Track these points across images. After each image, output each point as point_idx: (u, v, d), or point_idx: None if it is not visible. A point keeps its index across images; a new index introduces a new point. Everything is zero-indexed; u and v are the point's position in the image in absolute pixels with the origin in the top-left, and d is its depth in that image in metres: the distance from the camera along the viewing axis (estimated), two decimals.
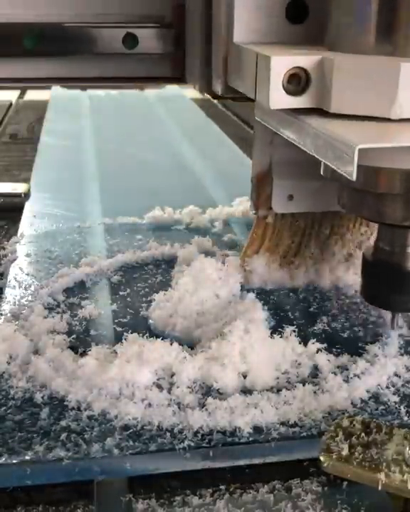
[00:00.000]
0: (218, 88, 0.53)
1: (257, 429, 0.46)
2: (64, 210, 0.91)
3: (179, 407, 0.47)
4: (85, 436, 0.45)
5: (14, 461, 0.43)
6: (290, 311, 0.63)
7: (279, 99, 0.43)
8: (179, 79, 0.55)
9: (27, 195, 0.97)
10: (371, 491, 0.42)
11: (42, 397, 0.49)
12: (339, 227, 0.66)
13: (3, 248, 0.76)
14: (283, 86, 0.42)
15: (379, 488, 0.40)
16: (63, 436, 0.45)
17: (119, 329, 0.58)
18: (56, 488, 0.44)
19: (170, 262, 0.72)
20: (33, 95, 1.83)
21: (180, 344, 0.54)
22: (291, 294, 0.66)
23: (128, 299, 0.65)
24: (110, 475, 0.44)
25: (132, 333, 0.55)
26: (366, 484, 0.40)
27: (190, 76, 0.56)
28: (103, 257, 0.73)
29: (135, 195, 0.98)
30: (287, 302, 0.64)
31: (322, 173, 0.50)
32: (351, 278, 0.66)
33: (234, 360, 0.51)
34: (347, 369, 0.52)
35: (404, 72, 0.39)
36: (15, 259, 0.73)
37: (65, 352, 0.53)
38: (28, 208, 0.92)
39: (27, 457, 0.43)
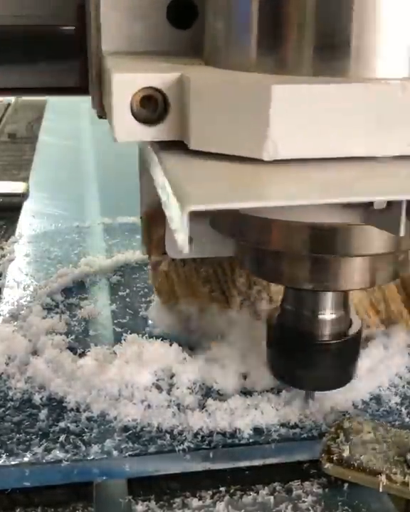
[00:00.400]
0: (96, 108, 0.42)
1: (257, 431, 0.46)
2: (63, 210, 0.90)
3: (178, 409, 0.47)
4: (84, 437, 0.45)
5: (13, 463, 0.43)
6: None
7: (127, 128, 0.32)
8: (84, 90, 0.45)
9: (26, 194, 0.96)
10: (372, 492, 0.42)
11: (41, 398, 0.48)
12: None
13: (2, 248, 0.76)
14: (132, 112, 0.32)
15: (380, 489, 0.40)
16: (62, 437, 0.45)
17: (118, 330, 0.58)
18: (55, 490, 0.43)
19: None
20: None
21: (180, 345, 0.53)
22: None
23: (127, 299, 0.65)
24: (109, 476, 0.44)
25: (131, 333, 0.55)
26: (367, 486, 0.40)
27: (90, 89, 0.43)
28: (102, 257, 0.73)
29: (134, 195, 0.97)
30: None
31: (210, 224, 0.42)
32: None
33: (234, 361, 0.50)
34: None
35: (277, 97, 0.29)
36: (13, 259, 0.73)
37: (63, 353, 0.53)
38: (27, 208, 0.91)
39: (26, 459, 0.43)
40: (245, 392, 0.49)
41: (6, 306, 0.62)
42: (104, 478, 0.43)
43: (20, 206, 0.92)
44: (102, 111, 0.39)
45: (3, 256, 0.74)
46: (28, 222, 0.86)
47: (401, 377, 0.52)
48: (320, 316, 0.43)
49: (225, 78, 0.32)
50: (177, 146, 0.33)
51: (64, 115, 1.57)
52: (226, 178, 0.30)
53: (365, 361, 0.52)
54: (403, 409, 0.48)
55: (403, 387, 0.51)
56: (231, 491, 0.43)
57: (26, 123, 1.49)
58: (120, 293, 0.66)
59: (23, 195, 0.96)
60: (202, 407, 0.47)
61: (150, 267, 0.56)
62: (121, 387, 0.48)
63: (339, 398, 0.48)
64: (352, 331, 0.45)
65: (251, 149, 0.30)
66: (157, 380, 0.50)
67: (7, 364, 0.52)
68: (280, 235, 0.38)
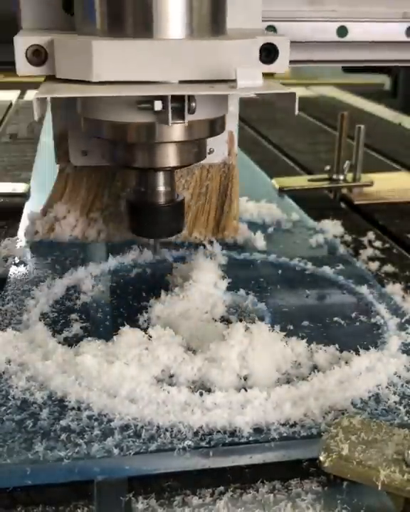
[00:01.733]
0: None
1: (257, 429, 0.46)
2: None
3: (178, 407, 0.47)
4: (85, 436, 0.45)
5: (14, 461, 0.43)
6: None
7: (24, 67, 0.56)
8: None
9: (27, 195, 0.97)
10: (371, 491, 0.42)
11: (42, 397, 0.49)
12: (130, 181, 0.76)
13: (3, 248, 0.76)
14: (27, 58, 0.56)
15: (379, 488, 0.40)
16: (63, 436, 0.45)
17: (119, 329, 0.58)
18: (56, 488, 0.44)
19: (170, 262, 0.72)
20: (32, 95, 1.83)
21: (180, 345, 0.54)
22: None
23: (128, 299, 0.65)
24: (110, 475, 0.44)
25: (132, 333, 0.55)
26: (366, 484, 0.40)
27: None
28: (103, 257, 0.73)
29: None
30: None
31: (82, 130, 0.64)
32: None
33: (233, 361, 0.51)
34: (347, 369, 0.52)
35: (95, 47, 0.53)
36: (14, 260, 0.73)
37: (64, 352, 0.53)
38: (28, 208, 0.92)
39: (27, 457, 0.43)
40: (245, 391, 0.49)
41: (8, 306, 0.62)
42: (104, 476, 0.44)
43: (21, 207, 0.92)
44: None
45: (5, 256, 0.74)
46: None
47: (400, 376, 0.52)
48: (157, 189, 0.65)
49: (71, 39, 0.56)
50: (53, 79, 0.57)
51: None
52: (64, 87, 0.54)
53: (364, 360, 0.52)
54: (401, 408, 0.48)
55: (402, 386, 0.51)
56: (231, 489, 0.43)
57: (27, 124, 1.49)
58: (121, 293, 0.66)
59: (25, 196, 0.96)
60: (202, 406, 0.47)
61: (57, 172, 0.77)
62: (121, 386, 0.48)
63: (338, 397, 0.49)
64: (178, 199, 0.67)
65: (85, 75, 0.54)
66: (157, 380, 0.50)
67: (8, 363, 0.52)
68: (118, 131, 0.60)
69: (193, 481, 0.44)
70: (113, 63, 0.53)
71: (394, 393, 0.50)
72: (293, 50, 0.61)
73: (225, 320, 0.61)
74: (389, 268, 0.75)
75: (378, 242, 0.83)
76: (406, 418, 0.48)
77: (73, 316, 0.61)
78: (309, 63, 0.80)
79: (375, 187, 1.02)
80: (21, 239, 0.79)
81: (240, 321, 0.57)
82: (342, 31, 0.76)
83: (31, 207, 0.92)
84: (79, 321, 0.60)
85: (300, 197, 0.97)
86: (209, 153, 0.72)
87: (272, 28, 0.75)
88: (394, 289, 0.68)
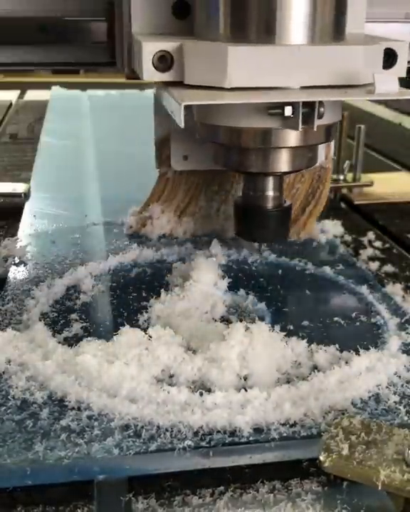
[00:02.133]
0: (126, 71, 0.65)
1: (257, 429, 0.46)
2: (64, 210, 0.91)
3: (178, 407, 0.47)
4: (85, 436, 0.45)
5: (14, 461, 0.43)
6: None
7: (150, 73, 0.56)
8: (112, 64, 0.70)
9: (27, 195, 0.97)
10: (371, 491, 0.42)
11: (42, 397, 0.49)
12: (225, 184, 0.79)
13: (3, 248, 0.76)
14: (153, 64, 0.55)
15: (379, 488, 0.40)
16: (63, 436, 0.45)
17: (119, 329, 0.58)
18: (56, 488, 0.44)
19: (170, 262, 0.72)
20: (32, 95, 1.83)
21: (180, 345, 0.54)
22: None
23: (128, 299, 0.65)
24: (110, 475, 0.44)
25: (132, 333, 0.55)
26: (366, 484, 0.40)
27: (118, 62, 0.69)
28: (103, 257, 0.73)
29: (135, 195, 0.98)
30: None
31: (197, 135, 0.63)
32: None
33: (233, 361, 0.51)
34: (347, 369, 0.52)
35: (231, 53, 0.52)
36: (14, 260, 0.73)
37: (64, 352, 0.53)
38: (28, 208, 0.92)
39: (27, 457, 0.43)
40: (245, 391, 0.49)
41: (8, 306, 0.62)
42: (105, 476, 0.44)
43: (21, 207, 0.92)
44: (131, 73, 0.64)
45: (5, 256, 0.74)
46: (30, 223, 0.86)
47: (400, 376, 0.52)
48: (266, 193, 0.65)
49: (203, 44, 0.55)
50: (177, 84, 0.56)
51: (65, 116, 1.57)
52: (201, 94, 0.53)
53: (364, 360, 0.52)
54: (401, 407, 0.48)
55: (402, 386, 0.51)
56: (231, 489, 0.43)
57: (27, 124, 1.50)
58: (121, 293, 0.66)
59: (25, 196, 0.96)
60: (202, 405, 0.47)
61: (158, 176, 0.79)
62: (121, 386, 0.48)
63: (338, 397, 0.49)
64: (286, 204, 0.67)
65: (218, 81, 0.53)
66: (157, 379, 0.50)
67: (8, 363, 0.52)
68: (236, 135, 0.60)
69: (193, 481, 0.44)
70: (246, 69, 0.53)
71: (394, 393, 0.50)
72: None
73: (225, 320, 0.61)
74: (389, 268, 0.75)
75: (378, 242, 0.83)
76: (406, 418, 0.48)
77: (73, 316, 0.61)
78: None
79: (375, 187, 1.02)
80: (21, 239, 0.79)
81: (240, 321, 0.57)
82: None
83: (31, 207, 0.92)
84: (79, 321, 0.60)
85: None
86: None
87: None
88: (394, 289, 0.68)
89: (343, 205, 1.00)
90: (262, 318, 0.61)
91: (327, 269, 0.71)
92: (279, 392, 0.49)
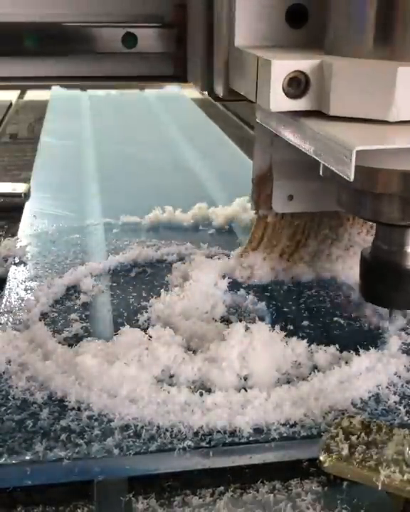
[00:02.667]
0: (220, 91, 0.55)
1: (257, 429, 0.46)
2: (64, 210, 0.91)
3: (178, 408, 0.47)
4: (85, 436, 0.45)
5: (14, 461, 0.43)
6: (290, 306, 0.63)
7: (279, 102, 0.43)
8: (180, 78, 0.57)
9: (27, 195, 0.97)
10: (371, 491, 0.42)
11: (42, 397, 0.49)
12: (337, 227, 0.67)
13: (3, 248, 0.76)
14: (283, 89, 0.43)
15: (379, 488, 0.40)
16: (63, 436, 0.45)
17: (119, 329, 0.58)
18: (56, 488, 0.44)
19: (170, 262, 0.72)
20: (32, 95, 1.83)
21: (180, 345, 0.54)
22: (291, 288, 0.67)
23: (128, 299, 0.65)
24: (110, 475, 0.44)
25: (132, 333, 0.55)
26: (366, 484, 0.40)
27: (191, 76, 0.57)
28: (103, 257, 0.73)
29: (135, 195, 0.98)
30: (288, 298, 0.65)
31: (321, 173, 0.50)
32: (347, 274, 0.68)
33: (233, 361, 0.51)
34: (347, 369, 0.52)
35: (401, 76, 0.40)
36: (15, 260, 0.73)
37: (64, 352, 0.53)
38: (28, 208, 0.92)
39: (27, 457, 0.43)
40: (245, 391, 0.49)
41: (8, 306, 0.62)
42: (105, 476, 0.44)
43: (21, 206, 0.92)
44: (229, 93, 0.53)
45: (5, 256, 0.74)
46: (30, 223, 0.86)
47: (400, 376, 0.52)
48: (407, 249, 0.53)
49: (357, 63, 0.43)
50: (310, 114, 0.44)
51: (65, 116, 1.57)
52: (365, 131, 0.41)
53: (364, 360, 0.52)
54: (401, 408, 0.48)
55: (402, 386, 0.51)
56: (231, 489, 0.43)
57: (28, 124, 1.50)
58: (121, 293, 0.66)
59: (25, 196, 0.96)
60: (202, 406, 0.47)
61: (254, 221, 0.67)
62: (121, 386, 0.48)
63: (338, 397, 0.49)
64: None
65: (380, 113, 0.41)
66: (157, 379, 0.50)
67: (8, 363, 0.52)
68: (381, 180, 0.46)
69: (193, 481, 0.44)
70: None
71: (394, 393, 0.50)
72: None
73: (226, 320, 0.61)
74: None
75: None
76: (406, 418, 0.47)
77: (73, 316, 0.61)
78: None
79: None
80: (21, 239, 0.79)
81: (240, 321, 0.57)
82: None
83: (31, 207, 0.92)
84: (79, 321, 0.60)
85: None
86: None
87: None
88: None
89: None
90: (262, 319, 0.61)
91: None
92: (279, 392, 0.49)
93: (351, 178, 0.37)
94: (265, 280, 0.68)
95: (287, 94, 0.43)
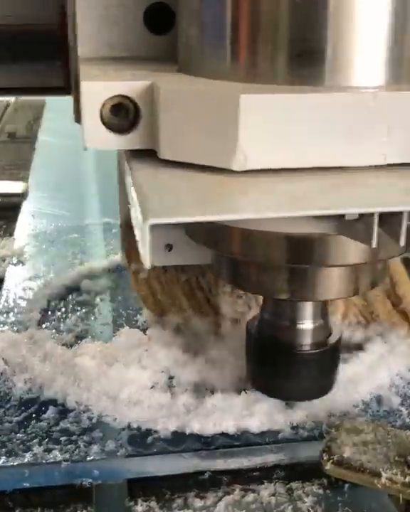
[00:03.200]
0: (74, 114, 0.44)
1: (258, 432, 0.46)
2: (62, 210, 0.90)
3: (178, 409, 0.47)
4: (84, 438, 0.45)
5: (13, 463, 0.42)
6: None
7: (97, 136, 0.32)
8: (63, 89, 0.46)
9: (25, 194, 0.96)
10: (373, 492, 0.41)
11: (41, 399, 0.48)
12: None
13: (1, 248, 0.76)
14: (102, 119, 0.32)
15: (381, 490, 0.39)
16: (62, 438, 0.45)
17: (118, 330, 0.58)
18: (55, 491, 0.43)
19: None
20: None
21: (180, 346, 0.53)
22: None
23: (128, 299, 0.65)
24: (110, 477, 0.44)
25: (131, 334, 0.55)
26: (367, 486, 0.40)
27: (73, 89, 0.44)
28: (103, 257, 0.73)
29: None
30: None
31: (193, 239, 0.41)
32: None
33: (234, 362, 0.50)
34: (349, 370, 0.52)
35: (246, 107, 0.28)
36: (12, 259, 0.73)
37: (63, 353, 0.52)
38: (26, 207, 0.91)
39: (26, 459, 0.43)
40: (246, 393, 0.49)
41: (6, 306, 0.62)
42: (104, 478, 0.43)
43: (19, 206, 0.91)
44: (78, 116, 0.37)
45: (2, 255, 0.74)
46: (27, 222, 0.86)
47: (401, 378, 0.52)
48: (299, 326, 0.43)
49: (195, 87, 0.31)
50: (150, 154, 0.32)
51: (63, 115, 1.56)
52: (194, 189, 0.29)
53: (366, 361, 0.52)
54: (403, 409, 0.48)
55: (404, 387, 0.51)
56: (232, 491, 0.43)
57: (26, 122, 1.49)
58: (120, 293, 0.66)
59: (23, 195, 0.96)
60: (202, 408, 0.47)
61: (132, 275, 0.56)
62: (121, 389, 0.48)
63: (340, 398, 0.48)
64: (332, 339, 0.45)
65: (220, 159, 0.30)
66: (157, 382, 0.50)
67: (8, 364, 0.52)
68: (255, 246, 0.37)
69: (193, 484, 0.44)
70: (273, 136, 0.30)
71: (396, 395, 0.50)
72: None
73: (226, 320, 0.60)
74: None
75: None
76: (407, 420, 0.47)
77: (73, 316, 0.61)
78: None
79: None
80: (19, 238, 0.78)
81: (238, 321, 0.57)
82: None
83: (29, 206, 0.92)
84: (79, 321, 0.60)
85: None
86: None
87: None
88: None
89: None
90: None
91: None
92: None
93: (147, 264, 0.26)
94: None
95: (109, 127, 0.32)
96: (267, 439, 0.45)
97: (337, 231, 0.33)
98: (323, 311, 0.44)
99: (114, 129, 0.32)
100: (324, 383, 0.45)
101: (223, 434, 0.45)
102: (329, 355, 0.44)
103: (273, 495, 0.43)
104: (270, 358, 0.44)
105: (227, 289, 0.54)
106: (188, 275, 0.54)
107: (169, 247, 0.47)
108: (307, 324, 0.43)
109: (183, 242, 0.46)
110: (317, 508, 0.42)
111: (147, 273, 0.54)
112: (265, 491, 0.43)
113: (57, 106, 1.65)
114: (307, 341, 0.43)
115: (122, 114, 0.32)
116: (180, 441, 0.45)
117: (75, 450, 0.44)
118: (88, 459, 0.43)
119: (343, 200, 0.29)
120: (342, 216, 0.32)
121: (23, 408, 0.48)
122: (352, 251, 0.36)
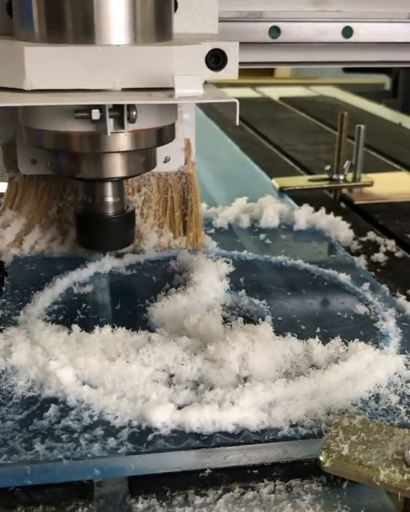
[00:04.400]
0: None
1: (257, 429, 0.46)
2: None
3: (179, 407, 0.47)
4: (85, 435, 0.45)
5: (14, 461, 0.43)
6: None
7: None
8: None
9: None
10: (371, 490, 0.42)
11: (42, 397, 0.49)
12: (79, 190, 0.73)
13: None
14: None
15: (379, 488, 0.40)
16: (64, 436, 0.45)
17: (119, 329, 0.58)
18: (56, 488, 0.44)
19: (170, 262, 0.72)
20: None
21: (180, 345, 0.54)
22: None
23: (129, 299, 0.65)
24: (110, 475, 0.44)
25: (132, 333, 0.55)
26: (366, 484, 0.40)
27: None
28: (104, 257, 0.73)
29: None
30: None
31: (24, 140, 0.62)
32: None
33: (233, 361, 0.51)
34: (347, 368, 0.52)
35: (28, 54, 0.52)
36: (14, 258, 0.73)
37: (65, 351, 0.53)
38: None
39: (27, 457, 0.43)
40: (245, 391, 0.49)
41: (8, 305, 0.62)
42: (105, 476, 0.44)
43: None
44: None
45: (4, 255, 0.74)
46: None
47: (400, 376, 0.52)
48: (105, 201, 0.65)
49: (5, 44, 0.54)
50: None
51: None
52: (4, 96, 0.52)
53: (364, 360, 0.52)
54: (401, 407, 0.49)
55: (402, 386, 0.51)
56: (232, 488, 0.43)
57: None
58: (122, 293, 0.66)
59: None
60: (202, 405, 0.47)
61: (7, 181, 0.74)
62: (122, 386, 0.48)
63: (339, 397, 0.49)
64: (128, 210, 0.67)
65: (18, 83, 0.53)
66: (158, 379, 0.50)
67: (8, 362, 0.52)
68: (60, 140, 0.58)
69: (193, 481, 0.44)
70: (48, 70, 0.52)
71: (394, 393, 0.50)
72: (296, 51, 0.59)
73: (226, 320, 0.60)
74: (389, 268, 0.75)
75: (378, 242, 0.83)
76: (406, 418, 0.48)
77: (74, 315, 0.61)
78: (313, 65, 0.80)
79: (375, 187, 1.02)
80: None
81: (242, 321, 0.57)
82: (347, 32, 0.76)
83: None
84: (79, 320, 0.60)
85: (300, 197, 0.97)
86: (165, 162, 0.72)
87: (276, 29, 0.73)
88: (394, 288, 0.68)
89: (343, 205, 1.00)
90: (262, 318, 0.61)
91: (327, 269, 0.71)
92: (279, 392, 0.49)
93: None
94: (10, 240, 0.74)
95: None
96: (267, 436, 0.45)
97: (95, 129, 0.55)
98: (120, 191, 0.66)
99: None
100: (125, 238, 0.69)
101: (224, 432, 0.45)
102: (126, 220, 0.67)
103: (272, 492, 0.43)
104: (89, 225, 0.67)
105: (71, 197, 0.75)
106: (46, 183, 0.74)
107: (33, 162, 0.71)
108: (109, 199, 0.65)
109: (42, 158, 0.69)
110: (316, 506, 0.42)
111: (20, 178, 0.73)
112: (265, 489, 0.43)
113: None
114: (110, 211, 0.66)
115: None
116: (181, 439, 0.45)
117: (77, 448, 0.44)
118: (89, 456, 0.43)
119: (88, 100, 0.53)
120: (93, 119, 0.54)
121: (24, 405, 0.48)
122: (121, 141, 0.58)
